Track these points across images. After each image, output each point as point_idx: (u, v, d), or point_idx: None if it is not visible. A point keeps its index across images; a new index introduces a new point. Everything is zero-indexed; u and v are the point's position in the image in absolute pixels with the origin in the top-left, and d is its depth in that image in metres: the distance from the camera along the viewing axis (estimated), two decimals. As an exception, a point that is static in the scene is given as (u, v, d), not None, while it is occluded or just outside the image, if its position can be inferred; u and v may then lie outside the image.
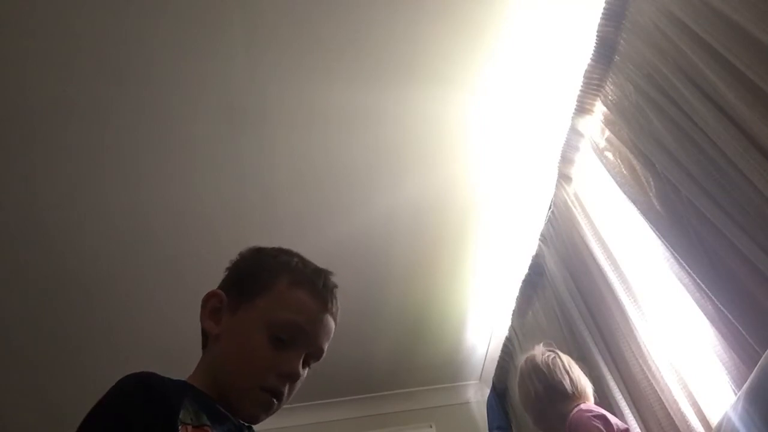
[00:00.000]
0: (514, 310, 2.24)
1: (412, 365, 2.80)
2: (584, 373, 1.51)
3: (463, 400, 3.00)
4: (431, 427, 2.88)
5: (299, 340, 0.84)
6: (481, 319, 2.60)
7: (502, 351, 2.45)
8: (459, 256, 2.28)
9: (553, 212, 1.82)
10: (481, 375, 2.98)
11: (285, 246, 0.96)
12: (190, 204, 1.95)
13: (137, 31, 1.51)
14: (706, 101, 1.09)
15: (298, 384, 0.85)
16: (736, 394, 0.98)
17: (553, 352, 1.54)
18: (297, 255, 0.95)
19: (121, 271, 2.10)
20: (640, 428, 1.42)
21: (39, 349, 2.30)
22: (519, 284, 2.13)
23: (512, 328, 2.32)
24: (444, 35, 1.59)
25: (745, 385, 0.90)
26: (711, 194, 1.10)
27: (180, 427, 0.65)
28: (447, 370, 2.90)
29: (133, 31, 1.50)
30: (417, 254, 2.24)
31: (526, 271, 2.05)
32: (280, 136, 1.80)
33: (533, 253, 1.99)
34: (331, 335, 0.90)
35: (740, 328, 1.06)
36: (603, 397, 1.54)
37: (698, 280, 1.15)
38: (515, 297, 2.18)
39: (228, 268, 0.94)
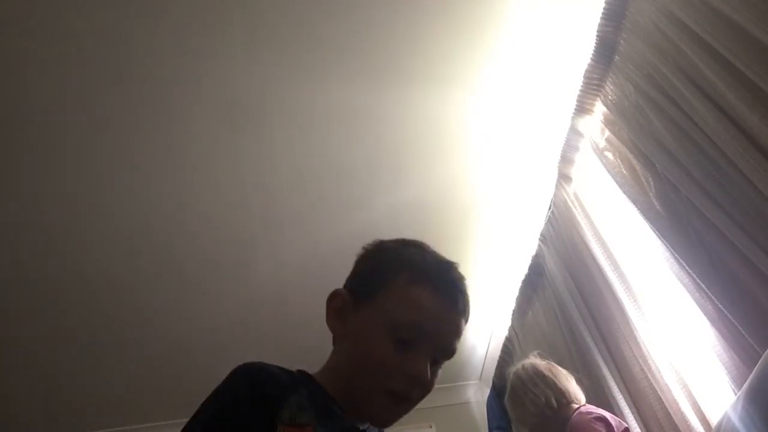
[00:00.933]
0: (514, 310, 2.24)
1: (412, 365, 2.80)
2: (583, 376, 1.52)
3: (463, 400, 3.00)
4: (431, 427, 2.87)
5: (423, 340, 0.78)
6: (481, 319, 2.60)
7: (502, 351, 2.45)
8: (459, 256, 2.25)
9: (553, 212, 1.82)
10: (481, 375, 2.98)
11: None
12: (190, 203, 1.95)
13: (137, 31, 1.51)
14: (706, 101, 1.09)
15: (431, 385, 0.80)
16: (735, 394, 0.98)
17: (546, 359, 1.54)
18: (419, 246, 0.90)
19: (122, 270, 2.10)
20: (640, 428, 1.42)
21: (40, 349, 2.30)
22: (519, 284, 2.13)
23: (512, 328, 2.32)
24: (444, 35, 1.59)
25: (745, 385, 0.90)
26: (711, 194, 1.10)
27: (279, 428, 0.65)
28: (447, 370, 2.85)
29: (133, 30, 1.50)
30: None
31: (526, 271, 2.05)
32: (280, 135, 1.80)
33: (533, 253, 1.99)
34: (461, 331, 0.83)
35: (740, 328, 1.06)
36: (603, 397, 1.54)
37: (698, 280, 1.15)
38: (515, 297, 2.18)
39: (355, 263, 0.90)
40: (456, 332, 0.82)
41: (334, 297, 0.84)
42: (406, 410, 0.79)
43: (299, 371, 0.80)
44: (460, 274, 0.87)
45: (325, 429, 0.71)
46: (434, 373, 0.81)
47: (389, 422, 0.80)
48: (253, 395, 0.67)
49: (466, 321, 0.84)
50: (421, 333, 0.78)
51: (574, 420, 1.36)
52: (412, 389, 0.77)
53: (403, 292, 0.80)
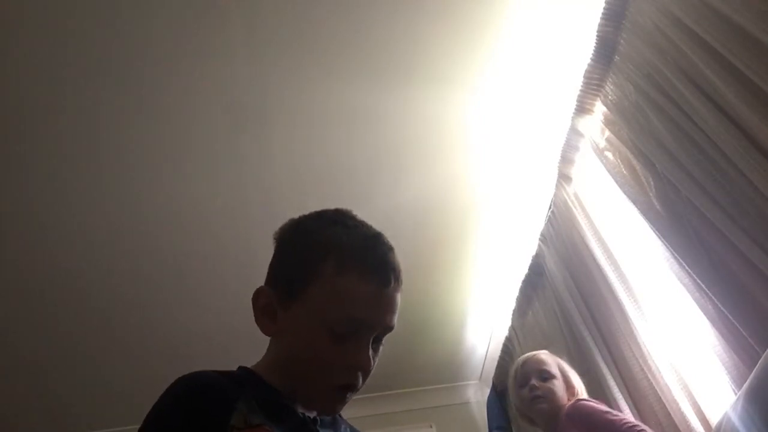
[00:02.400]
0: (514, 310, 2.24)
1: (412, 365, 2.80)
2: (584, 375, 1.52)
3: (463, 400, 3.00)
4: (431, 427, 2.88)
5: (361, 329, 0.75)
6: (481, 319, 2.60)
7: (502, 351, 2.45)
8: (459, 256, 2.28)
9: (553, 212, 1.82)
10: (481, 375, 2.98)
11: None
12: (190, 202, 1.95)
13: (136, 31, 1.51)
14: (706, 101, 1.09)
15: (375, 362, 0.78)
16: (735, 394, 0.98)
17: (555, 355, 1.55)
18: (341, 220, 0.83)
19: (121, 270, 2.10)
20: (640, 428, 1.42)
21: (39, 350, 2.30)
22: (519, 284, 2.13)
23: (512, 328, 2.32)
24: (444, 35, 1.59)
25: (745, 385, 0.90)
26: (711, 194, 1.10)
27: None
28: (447, 370, 2.90)
29: (132, 30, 1.50)
30: (417, 254, 2.24)
31: (526, 271, 2.05)
32: (280, 135, 1.80)
33: (533, 253, 1.99)
34: (398, 304, 0.79)
35: (740, 328, 1.06)
36: (603, 397, 1.54)
37: (698, 280, 1.15)
38: (515, 297, 2.18)
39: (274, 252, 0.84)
40: (392, 309, 0.79)
41: (258, 295, 0.80)
42: (353, 395, 0.78)
43: (241, 368, 0.78)
44: (387, 246, 0.82)
45: (279, 425, 0.69)
46: (376, 350, 0.79)
47: (338, 410, 0.80)
48: (199, 410, 0.64)
49: (401, 291, 0.81)
50: (357, 323, 0.75)
51: (578, 406, 1.36)
52: (357, 378, 0.76)
53: (331, 285, 0.75)
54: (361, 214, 0.86)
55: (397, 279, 0.80)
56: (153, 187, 1.88)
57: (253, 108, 1.71)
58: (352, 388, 0.76)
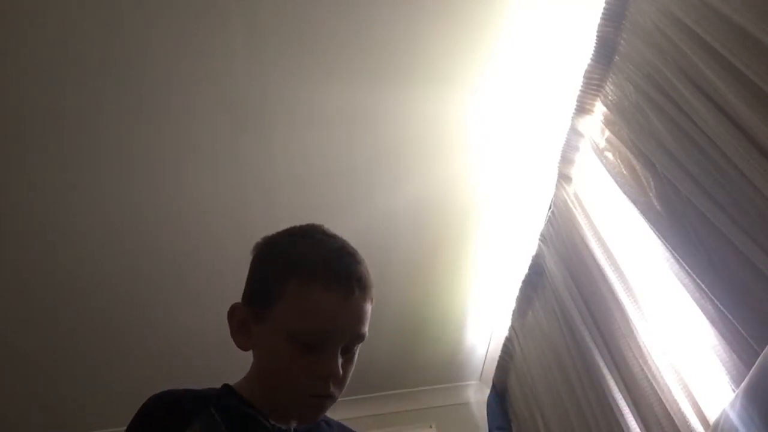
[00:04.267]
0: (514, 310, 2.24)
1: (412, 365, 2.80)
2: (583, 377, 1.51)
3: (463, 400, 3.00)
4: (431, 427, 2.87)
5: (328, 340, 0.78)
6: (481, 319, 2.60)
7: (502, 351, 2.45)
8: (459, 256, 2.28)
9: (553, 212, 1.82)
10: (481, 375, 2.98)
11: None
12: (190, 203, 1.95)
13: (135, 30, 1.51)
14: (706, 101, 1.09)
15: (349, 371, 0.81)
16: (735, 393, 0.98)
17: None
18: (309, 235, 0.86)
19: (121, 270, 2.10)
20: (640, 428, 1.42)
21: (39, 351, 2.30)
22: (519, 284, 2.13)
23: (512, 328, 2.32)
24: (444, 35, 1.59)
25: (744, 383, 0.90)
26: (711, 194, 1.10)
27: None
28: (447, 370, 2.90)
29: (131, 29, 1.50)
30: (417, 254, 2.24)
31: (526, 271, 2.05)
32: (280, 135, 1.80)
33: (533, 253, 1.99)
34: (366, 313, 0.82)
35: (740, 328, 1.06)
36: (603, 397, 1.54)
37: (698, 280, 1.15)
38: (515, 297, 2.18)
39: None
40: (360, 320, 0.81)
41: (233, 312, 0.85)
42: (330, 404, 0.81)
43: (224, 385, 0.83)
44: (352, 257, 0.84)
45: None
46: (349, 360, 0.82)
47: (315, 419, 0.83)
48: (158, 427, 0.71)
49: (371, 299, 0.83)
50: (323, 335, 0.77)
51: None
52: (328, 387, 0.78)
53: (296, 299, 0.78)
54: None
55: (363, 288, 0.82)
56: (153, 187, 1.88)
57: (253, 108, 1.72)
58: (325, 397, 0.79)
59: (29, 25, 1.45)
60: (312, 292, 0.78)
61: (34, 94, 1.59)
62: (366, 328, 0.82)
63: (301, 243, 0.85)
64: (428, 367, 2.83)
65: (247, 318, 0.83)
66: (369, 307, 0.83)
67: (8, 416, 2.53)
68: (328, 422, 0.94)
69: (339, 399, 0.80)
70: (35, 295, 2.11)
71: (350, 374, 0.82)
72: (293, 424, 0.84)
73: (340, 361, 0.79)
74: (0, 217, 1.87)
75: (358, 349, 0.84)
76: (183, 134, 1.76)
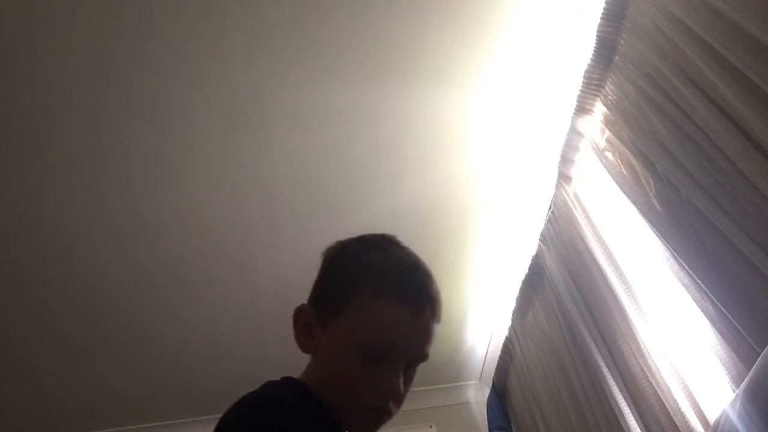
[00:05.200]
0: (514, 310, 2.24)
1: (412, 365, 2.80)
2: (583, 377, 1.51)
3: (463, 400, 3.00)
4: (431, 427, 2.87)
5: (393, 355, 0.77)
6: (481, 319, 2.60)
7: (502, 351, 2.45)
8: (459, 256, 2.28)
9: (553, 212, 1.82)
10: (481, 375, 2.98)
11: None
12: (189, 203, 1.95)
13: (135, 30, 1.51)
14: (706, 101, 1.09)
15: (408, 390, 0.80)
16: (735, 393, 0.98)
17: None
18: (383, 246, 0.85)
19: (121, 270, 2.10)
20: (640, 428, 1.42)
21: (39, 351, 2.30)
22: (519, 284, 2.13)
23: (512, 328, 2.32)
24: (444, 35, 1.59)
25: (744, 383, 0.90)
26: (711, 194, 1.10)
27: None
28: (447, 370, 2.90)
29: (130, 29, 1.50)
30: (417, 254, 2.23)
31: (526, 271, 2.05)
32: (280, 135, 1.80)
33: (533, 253, 1.99)
34: (433, 334, 0.81)
35: (740, 328, 1.06)
36: (603, 397, 1.54)
37: (698, 280, 1.15)
38: (515, 297, 2.18)
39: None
40: (427, 339, 0.80)
41: (299, 313, 0.83)
42: (387, 420, 0.79)
43: (287, 378, 0.79)
44: (426, 274, 0.83)
45: None
46: (409, 378, 0.81)
47: None
48: None
49: (438, 321, 0.82)
50: (390, 349, 0.76)
51: None
52: (387, 403, 0.77)
53: (366, 309, 0.77)
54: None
55: (434, 307, 0.81)
56: (152, 187, 1.88)
57: (252, 108, 1.72)
58: (382, 412, 0.77)
59: (27, 28, 1.45)
60: (383, 304, 0.77)
61: (34, 94, 1.59)
62: (430, 349, 0.81)
63: (375, 252, 0.84)
64: (428, 367, 2.80)
65: (313, 321, 0.81)
66: (436, 328, 0.82)
67: (8, 416, 2.53)
68: None
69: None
70: (35, 295, 2.11)
71: (405, 398, 0.81)
72: None
73: (402, 378, 0.78)
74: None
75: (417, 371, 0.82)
76: (183, 134, 1.76)
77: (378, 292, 0.77)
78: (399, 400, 0.79)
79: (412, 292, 0.79)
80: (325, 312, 0.81)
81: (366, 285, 0.78)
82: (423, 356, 0.81)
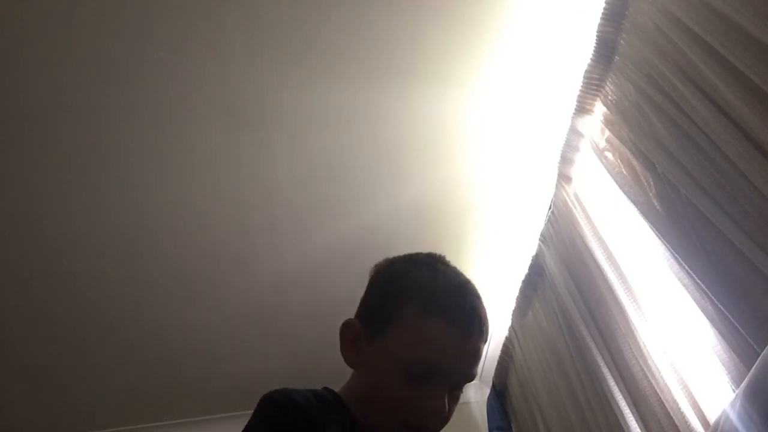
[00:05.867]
0: (514, 310, 2.24)
1: (412, 365, 2.80)
2: (583, 377, 1.51)
3: (463, 400, 2.98)
4: (431, 427, 2.87)
5: (439, 375, 0.76)
6: (481, 319, 2.59)
7: (502, 351, 2.45)
8: (459, 256, 2.27)
9: (553, 212, 1.82)
10: (481, 375, 2.97)
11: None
12: (189, 204, 1.95)
13: (135, 30, 1.51)
14: (706, 101, 1.09)
15: (451, 413, 0.80)
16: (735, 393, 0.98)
17: None
18: (431, 265, 0.84)
19: (121, 270, 2.10)
20: (640, 428, 1.41)
21: (39, 351, 2.30)
22: (519, 284, 2.13)
23: (512, 328, 2.32)
24: (444, 35, 1.59)
25: (743, 383, 0.90)
26: (711, 194, 1.10)
27: None
28: (447, 370, 2.90)
29: (130, 29, 1.50)
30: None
31: (526, 271, 2.05)
32: (280, 135, 1.80)
33: (533, 253, 1.99)
34: (480, 355, 0.80)
35: (740, 328, 1.06)
36: (603, 397, 1.54)
37: (698, 280, 1.15)
38: (515, 297, 2.18)
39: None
40: (474, 360, 0.80)
41: (346, 327, 0.83)
42: None
43: (328, 390, 0.79)
44: (475, 295, 0.83)
45: None
46: (454, 399, 0.81)
47: None
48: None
49: (486, 341, 0.81)
50: (436, 369, 0.76)
51: None
52: (429, 422, 0.77)
53: (414, 327, 0.77)
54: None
55: (483, 329, 0.81)
56: (151, 187, 1.88)
57: (252, 108, 1.72)
58: (424, 429, 0.77)
59: (27, 28, 1.45)
60: (432, 323, 0.76)
61: (34, 94, 1.59)
62: (477, 370, 0.81)
63: (424, 271, 0.83)
64: (428, 367, 2.83)
65: (360, 336, 0.81)
66: (484, 348, 0.82)
67: (8, 416, 2.53)
68: None
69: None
70: (34, 295, 2.11)
71: (450, 418, 0.80)
72: None
73: (447, 399, 0.78)
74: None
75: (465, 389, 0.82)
76: (183, 134, 1.76)
77: (426, 311, 0.77)
78: (443, 420, 0.79)
79: (462, 312, 0.78)
80: (372, 328, 0.81)
81: (414, 304, 0.78)
82: (470, 377, 0.81)
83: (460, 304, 0.79)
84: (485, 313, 0.82)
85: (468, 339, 0.78)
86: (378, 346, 0.79)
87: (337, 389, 0.82)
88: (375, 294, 0.85)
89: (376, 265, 0.88)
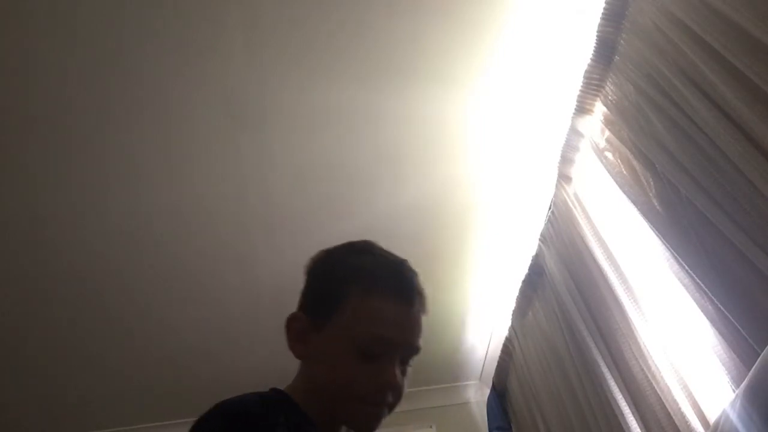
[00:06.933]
0: (514, 310, 2.24)
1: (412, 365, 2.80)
2: (583, 377, 1.51)
3: (463, 400, 3.00)
4: (431, 427, 2.87)
5: (387, 349, 0.79)
6: (481, 319, 2.60)
7: (502, 351, 2.45)
8: (459, 256, 2.28)
9: (553, 212, 1.82)
10: (481, 375, 2.98)
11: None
12: (189, 203, 1.95)
13: (135, 31, 1.51)
14: (706, 101, 1.09)
15: (403, 386, 0.82)
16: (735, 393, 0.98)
17: None
18: (367, 249, 0.89)
19: (123, 270, 2.10)
20: (640, 428, 1.42)
21: (38, 351, 2.30)
22: (519, 284, 2.13)
23: (512, 328, 2.32)
24: (444, 35, 1.59)
25: (744, 383, 0.90)
26: (711, 194, 1.10)
27: None
28: (447, 370, 2.90)
29: (131, 30, 1.50)
30: (417, 254, 2.22)
31: (526, 271, 2.05)
32: (280, 135, 1.80)
33: (533, 253, 1.99)
34: (421, 327, 0.84)
35: (740, 328, 1.06)
36: (603, 397, 1.54)
37: (698, 280, 1.15)
38: (515, 297, 2.18)
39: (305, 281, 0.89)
40: (417, 331, 0.83)
41: (292, 321, 0.85)
42: (387, 413, 0.81)
43: (275, 390, 0.81)
44: (412, 271, 0.88)
45: None
46: (404, 372, 0.83)
47: (374, 428, 0.82)
48: None
49: (426, 313, 0.85)
50: (384, 343, 0.79)
51: None
52: (386, 396, 0.79)
53: (358, 307, 0.80)
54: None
55: (422, 302, 0.85)
56: (152, 187, 1.88)
57: (253, 109, 1.72)
58: (383, 405, 0.79)
59: (29, 27, 1.45)
60: (376, 300, 0.80)
61: (34, 94, 1.59)
62: (421, 342, 0.84)
63: (362, 255, 0.88)
64: (428, 367, 2.83)
65: (306, 327, 0.83)
66: (423, 321, 0.85)
67: (8, 416, 2.53)
68: None
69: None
70: (35, 296, 2.11)
71: (403, 390, 0.83)
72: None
73: (398, 371, 0.80)
74: (2, 216, 1.87)
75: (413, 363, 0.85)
76: (183, 134, 1.76)
77: (370, 289, 0.81)
78: (398, 392, 0.81)
79: (402, 287, 0.83)
80: (318, 316, 0.83)
81: (357, 284, 0.81)
82: (416, 348, 0.83)
83: (399, 280, 0.84)
84: (422, 287, 0.87)
85: (410, 311, 0.82)
86: (326, 332, 0.81)
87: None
88: (317, 283, 0.87)
89: (312, 258, 0.90)
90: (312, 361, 0.83)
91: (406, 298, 0.82)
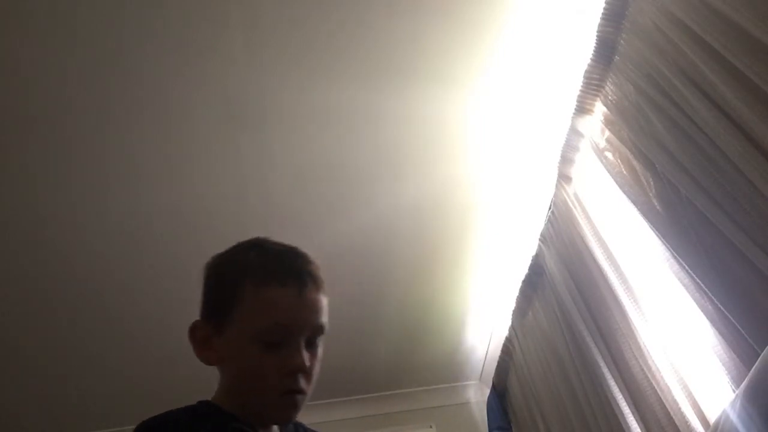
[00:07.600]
0: (514, 310, 2.24)
1: (412, 365, 2.80)
2: (583, 377, 1.51)
3: (463, 400, 3.00)
4: (431, 427, 2.87)
5: (290, 334, 0.81)
6: (481, 319, 2.60)
7: (502, 351, 2.45)
8: (459, 256, 2.28)
9: (553, 212, 1.82)
10: (481, 375, 2.98)
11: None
12: (189, 203, 1.95)
13: (135, 31, 1.51)
14: (706, 101, 1.09)
15: (316, 365, 0.83)
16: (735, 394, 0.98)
17: None
18: (257, 245, 0.91)
19: (121, 269, 2.10)
20: (640, 428, 1.42)
21: (38, 351, 2.30)
22: (519, 284, 2.13)
23: (512, 328, 2.32)
24: (444, 35, 1.59)
25: (744, 384, 0.90)
26: (711, 194, 1.10)
27: None
28: (447, 370, 2.90)
29: (131, 30, 1.50)
30: (417, 254, 2.24)
31: (526, 271, 2.05)
32: (280, 135, 1.80)
33: (533, 253, 1.99)
34: (324, 306, 0.85)
35: (740, 328, 1.06)
36: (603, 397, 1.54)
37: (698, 280, 1.15)
38: (515, 297, 2.18)
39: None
40: (317, 310, 0.84)
41: (194, 330, 0.86)
42: (304, 399, 0.82)
43: (200, 402, 0.82)
44: (300, 254, 0.89)
45: None
46: (314, 354, 0.84)
47: (292, 416, 0.83)
48: None
49: (324, 292, 0.86)
50: (285, 329, 0.80)
51: None
52: (297, 381, 0.80)
53: (254, 300, 0.81)
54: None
55: (314, 280, 0.86)
56: (152, 187, 1.88)
57: (253, 109, 1.71)
58: (297, 392, 0.80)
59: (28, 27, 1.45)
60: (267, 290, 0.81)
61: (34, 94, 1.59)
62: (324, 319, 0.85)
63: (250, 251, 0.90)
64: (428, 367, 2.83)
65: (209, 333, 0.84)
66: (324, 300, 0.86)
67: (8, 416, 2.53)
68: (301, 424, 0.95)
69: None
70: (35, 296, 2.11)
71: (317, 368, 0.84)
72: (275, 430, 0.85)
73: (305, 354, 0.81)
74: (2, 217, 1.87)
75: (322, 343, 0.86)
76: (183, 134, 1.76)
77: (260, 282, 0.82)
78: (308, 375, 0.82)
79: (290, 271, 0.83)
80: (218, 319, 0.84)
81: (248, 280, 0.83)
82: (319, 328, 0.84)
83: (286, 265, 0.85)
84: (315, 268, 0.87)
85: (302, 292, 0.82)
86: (228, 333, 0.82)
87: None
88: (212, 287, 0.89)
89: (205, 265, 0.92)
90: (223, 364, 0.84)
91: (295, 281, 0.83)
